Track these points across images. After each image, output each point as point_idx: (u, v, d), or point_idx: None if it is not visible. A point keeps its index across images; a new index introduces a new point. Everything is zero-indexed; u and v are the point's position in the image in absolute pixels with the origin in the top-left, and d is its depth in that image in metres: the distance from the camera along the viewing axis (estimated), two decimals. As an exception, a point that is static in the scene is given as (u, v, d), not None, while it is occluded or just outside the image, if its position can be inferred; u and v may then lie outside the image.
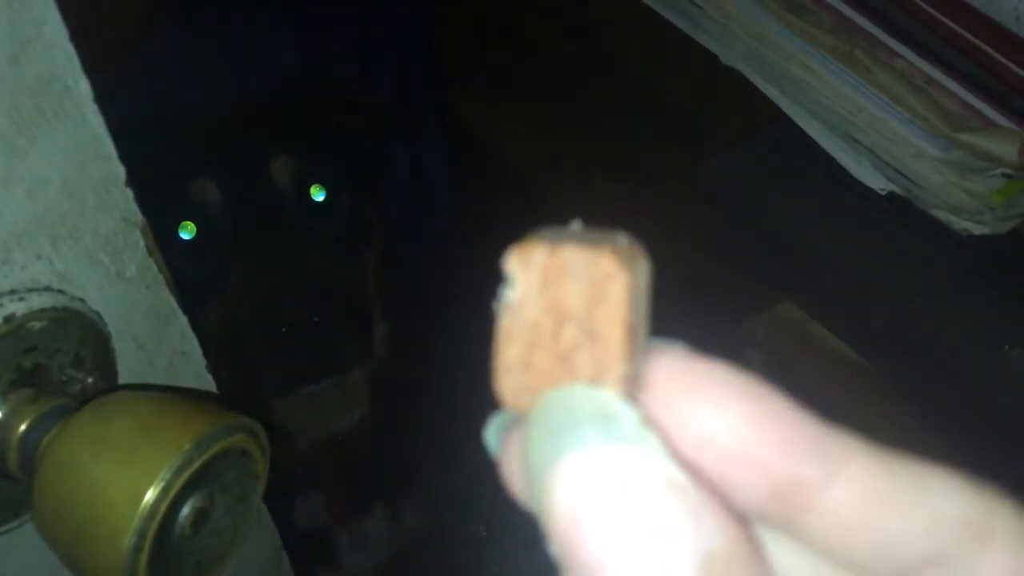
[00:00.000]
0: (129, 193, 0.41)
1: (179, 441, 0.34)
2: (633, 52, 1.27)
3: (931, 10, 0.75)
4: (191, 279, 0.82)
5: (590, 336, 0.18)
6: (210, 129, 0.94)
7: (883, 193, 0.74)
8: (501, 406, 0.19)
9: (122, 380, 0.44)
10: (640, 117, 1.23)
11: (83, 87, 0.37)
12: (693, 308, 1.03)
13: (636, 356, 0.18)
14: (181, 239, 0.83)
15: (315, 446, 0.97)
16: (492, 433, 0.20)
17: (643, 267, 0.19)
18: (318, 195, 0.90)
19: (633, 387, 0.18)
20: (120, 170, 0.40)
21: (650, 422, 0.17)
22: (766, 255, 0.87)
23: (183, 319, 0.47)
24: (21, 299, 0.37)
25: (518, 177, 1.28)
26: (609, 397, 0.17)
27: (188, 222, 0.84)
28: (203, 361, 0.49)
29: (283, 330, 0.80)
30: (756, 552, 0.17)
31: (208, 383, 0.50)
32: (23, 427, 0.37)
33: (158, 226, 0.83)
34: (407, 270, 1.31)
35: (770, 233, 0.85)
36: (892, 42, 0.73)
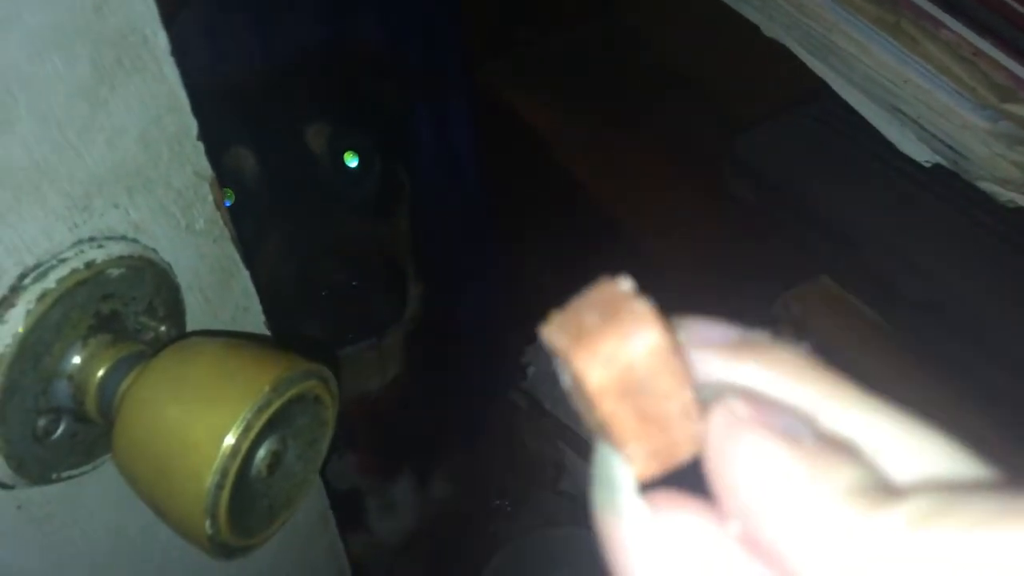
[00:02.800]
0: (200, 147, 0.42)
1: (258, 383, 0.35)
2: (663, 26, 1.27)
3: (978, -20, 0.75)
4: None
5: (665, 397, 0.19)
6: (244, 98, 0.95)
7: (928, 165, 0.73)
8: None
9: (188, 329, 0.45)
10: (672, 92, 1.23)
11: (161, 39, 0.38)
12: (729, 283, 1.03)
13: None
14: None
15: (348, 406, 0.99)
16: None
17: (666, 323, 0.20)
18: (351, 161, 0.91)
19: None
20: (193, 124, 0.41)
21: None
22: (804, 229, 0.87)
23: (246, 274, 0.48)
24: (100, 246, 0.38)
25: (547, 152, 1.28)
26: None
27: (227, 189, 0.85)
28: (262, 317, 0.50)
29: (322, 293, 0.82)
30: None
31: (266, 337, 0.51)
32: (102, 371, 0.38)
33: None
34: (438, 233, 1.32)
35: (808, 207, 0.85)
36: (938, 12, 0.72)
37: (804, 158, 0.88)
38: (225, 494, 0.34)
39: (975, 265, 0.75)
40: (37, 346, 0.36)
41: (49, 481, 0.39)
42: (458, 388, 1.20)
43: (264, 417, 0.35)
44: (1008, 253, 0.74)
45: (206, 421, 0.34)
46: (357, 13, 1.28)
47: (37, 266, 0.36)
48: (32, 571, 0.42)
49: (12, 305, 0.35)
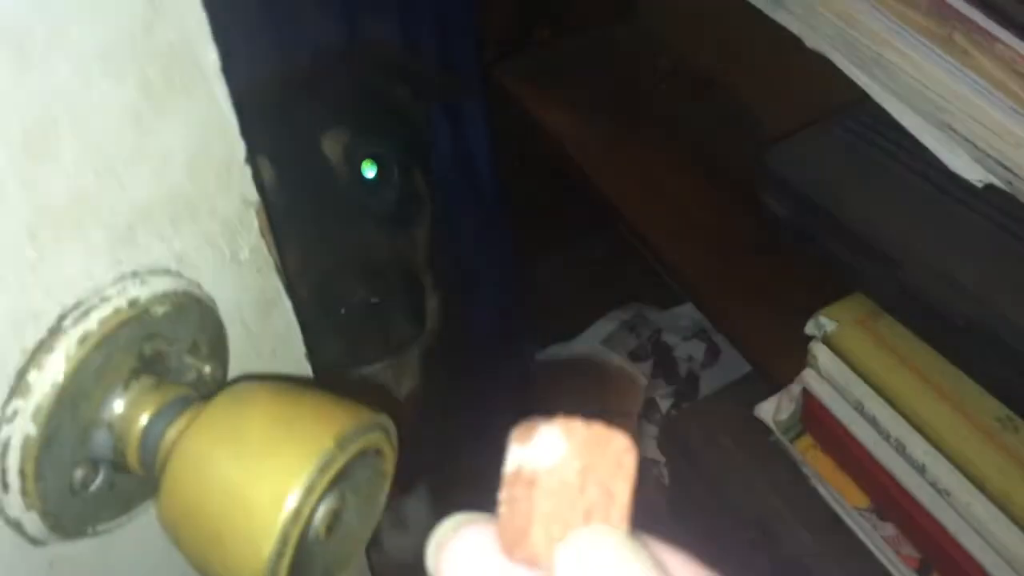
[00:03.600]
0: (248, 172, 0.39)
1: (321, 439, 0.32)
2: (689, 31, 1.24)
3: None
4: None
5: (608, 495, 0.23)
6: (260, 105, 0.92)
7: (980, 185, 0.71)
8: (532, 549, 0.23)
9: (229, 365, 0.42)
10: (700, 98, 1.19)
11: (211, 56, 0.35)
12: (759, 300, 1.01)
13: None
14: None
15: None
16: None
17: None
18: (369, 170, 0.88)
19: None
20: (241, 146, 0.38)
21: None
22: (838, 245, 0.84)
23: (287, 304, 0.45)
24: (143, 282, 0.35)
25: (566, 158, 1.24)
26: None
27: None
28: (303, 348, 0.47)
29: (340, 312, 0.78)
30: None
31: (306, 369, 0.48)
32: (145, 419, 0.35)
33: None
34: (453, 237, 1.29)
35: (844, 222, 0.82)
36: (992, 26, 0.70)
37: (840, 171, 0.85)
38: (285, 562, 0.31)
39: (1023, 286, 0.72)
40: (77, 394, 0.33)
41: (84, 535, 0.36)
42: (472, 400, 1.17)
43: (328, 476, 0.32)
44: None
45: (265, 480, 0.31)
46: (372, 13, 1.25)
47: (77, 305, 0.33)
48: (62, 629, 0.39)
49: (51, 350, 0.32)
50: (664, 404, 1.29)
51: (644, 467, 1.14)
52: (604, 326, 1.41)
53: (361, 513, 0.36)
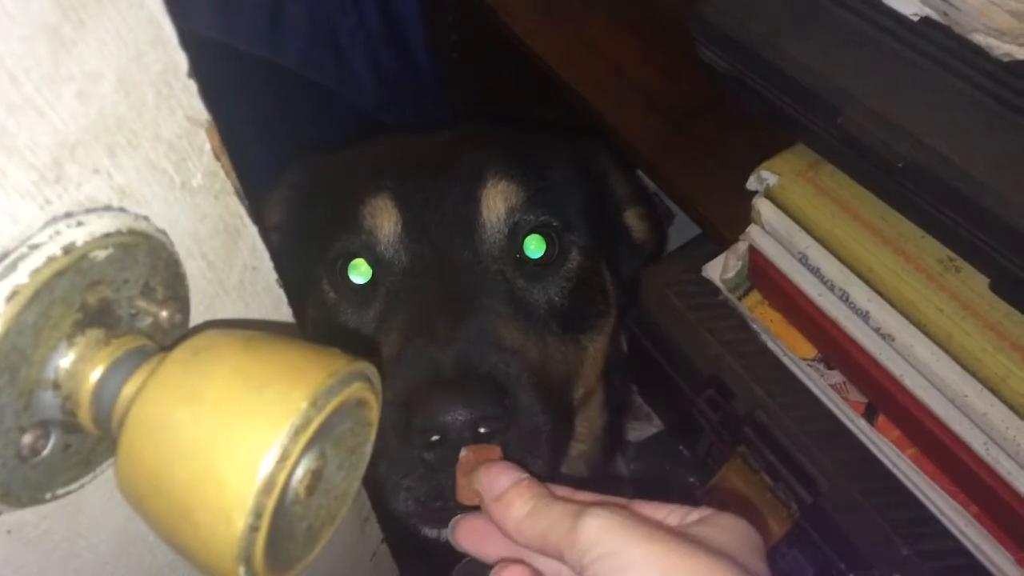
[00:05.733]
0: (192, 86, 0.34)
1: (293, 398, 0.28)
2: None
3: None
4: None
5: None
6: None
7: (916, 19, 0.65)
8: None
9: (192, 304, 0.38)
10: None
11: (135, -46, 0.30)
12: (699, 156, 0.96)
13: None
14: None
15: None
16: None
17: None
18: (536, 249, 0.74)
19: None
20: (181, 58, 0.33)
21: None
22: (778, 95, 0.79)
23: (253, 229, 0.40)
24: (80, 223, 0.31)
25: (497, 20, 1.16)
26: None
27: (358, 260, 0.72)
28: (274, 275, 0.43)
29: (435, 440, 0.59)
30: None
31: (279, 298, 0.44)
32: (96, 375, 0.31)
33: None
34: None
35: (782, 72, 0.76)
36: None
37: (777, 18, 0.78)
38: (261, 536, 0.28)
39: (969, 125, 0.67)
40: (12, 355, 0.29)
41: (42, 502, 0.33)
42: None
43: (303, 439, 0.28)
44: (1000, 111, 0.66)
45: (233, 448, 0.28)
46: None
47: (3, 257, 0.29)
48: (32, 594, 0.36)
49: (-25, 310, 0.28)
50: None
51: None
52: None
53: (346, 466, 0.33)
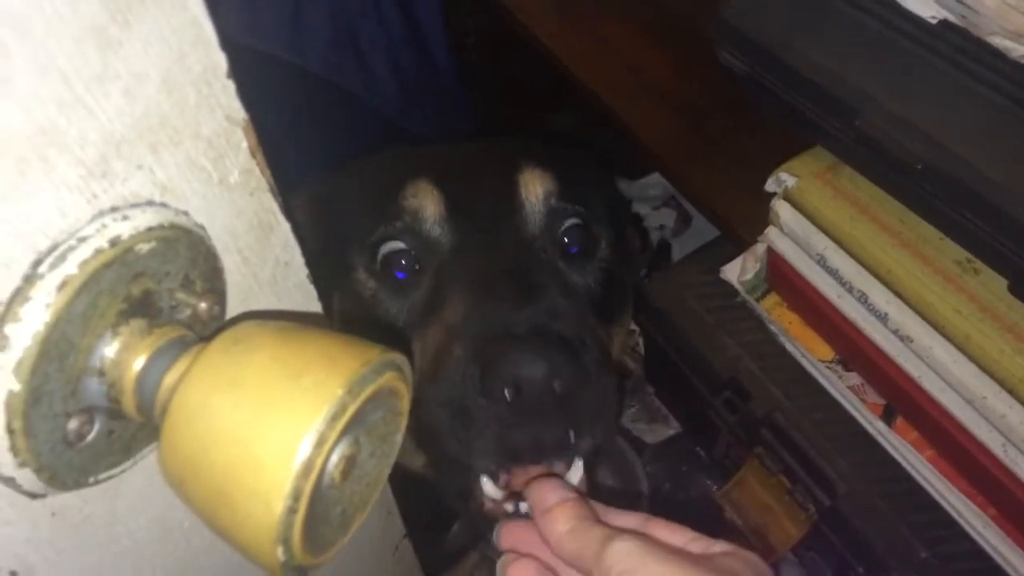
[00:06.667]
0: (231, 86, 0.35)
1: (329, 385, 0.29)
2: None
3: None
4: None
5: None
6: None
7: (934, 22, 0.66)
8: None
9: (227, 297, 0.39)
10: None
11: (180, -41, 0.31)
12: (718, 161, 0.97)
13: None
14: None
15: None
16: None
17: None
18: (572, 240, 0.76)
19: None
20: (221, 59, 0.34)
21: None
22: (796, 97, 0.79)
23: (286, 226, 0.41)
24: (125, 217, 0.32)
25: (513, 20, 1.17)
26: None
27: (395, 242, 0.72)
28: (305, 270, 0.44)
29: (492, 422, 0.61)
30: None
31: (310, 294, 0.45)
32: (139, 363, 0.32)
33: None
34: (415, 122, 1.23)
35: (801, 74, 0.77)
36: None
37: (796, 21, 0.78)
38: (299, 518, 0.29)
39: (980, 127, 0.68)
40: (61, 343, 0.30)
41: (85, 485, 0.34)
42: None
43: (339, 426, 0.29)
44: (1018, 113, 0.66)
45: (272, 433, 0.29)
46: None
47: (53, 249, 0.30)
48: (73, 577, 0.37)
49: (27, 299, 0.29)
50: (637, 274, 1.26)
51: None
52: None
53: (377, 454, 0.34)
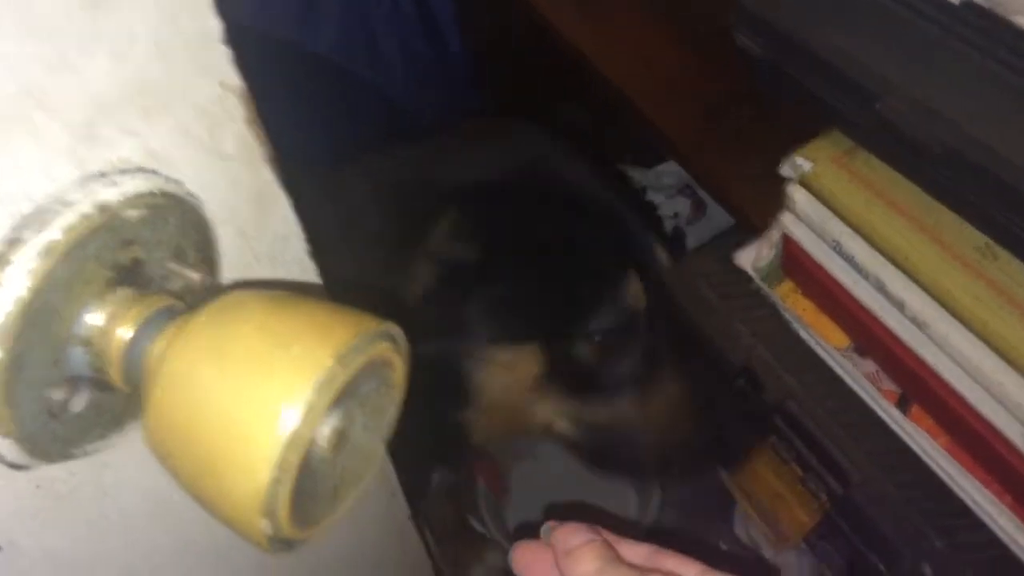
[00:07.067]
0: (226, 52, 0.34)
1: (319, 355, 0.28)
2: None
3: None
4: None
5: None
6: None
7: (957, 2, 0.64)
8: None
9: (223, 272, 0.38)
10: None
11: (169, -85, 0.30)
12: (735, 143, 0.95)
13: None
14: None
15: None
16: None
17: None
18: None
19: None
20: (216, 23, 0.33)
21: None
22: (814, 81, 0.78)
23: (285, 199, 0.41)
24: (113, 183, 0.31)
25: (539, 19, 1.16)
26: None
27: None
28: (305, 245, 0.43)
29: None
30: None
31: (310, 270, 0.44)
32: (127, 333, 0.32)
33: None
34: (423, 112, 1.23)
35: (818, 57, 0.75)
36: None
37: (814, 3, 0.77)
38: (285, 489, 0.28)
39: (1003, 111, 0.66)
40: (45, 310, 0.30)
41: (71, 458, 0.34)
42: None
43: (329, 396, 0.28)
44: None
45: (259, 403, 0.28)
46: None
47: (37, 213, 0.29)
48: (60, 552, 0.37)
49: (8, 263, 0.29)
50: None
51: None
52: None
53: (370, 428, 0.33)
